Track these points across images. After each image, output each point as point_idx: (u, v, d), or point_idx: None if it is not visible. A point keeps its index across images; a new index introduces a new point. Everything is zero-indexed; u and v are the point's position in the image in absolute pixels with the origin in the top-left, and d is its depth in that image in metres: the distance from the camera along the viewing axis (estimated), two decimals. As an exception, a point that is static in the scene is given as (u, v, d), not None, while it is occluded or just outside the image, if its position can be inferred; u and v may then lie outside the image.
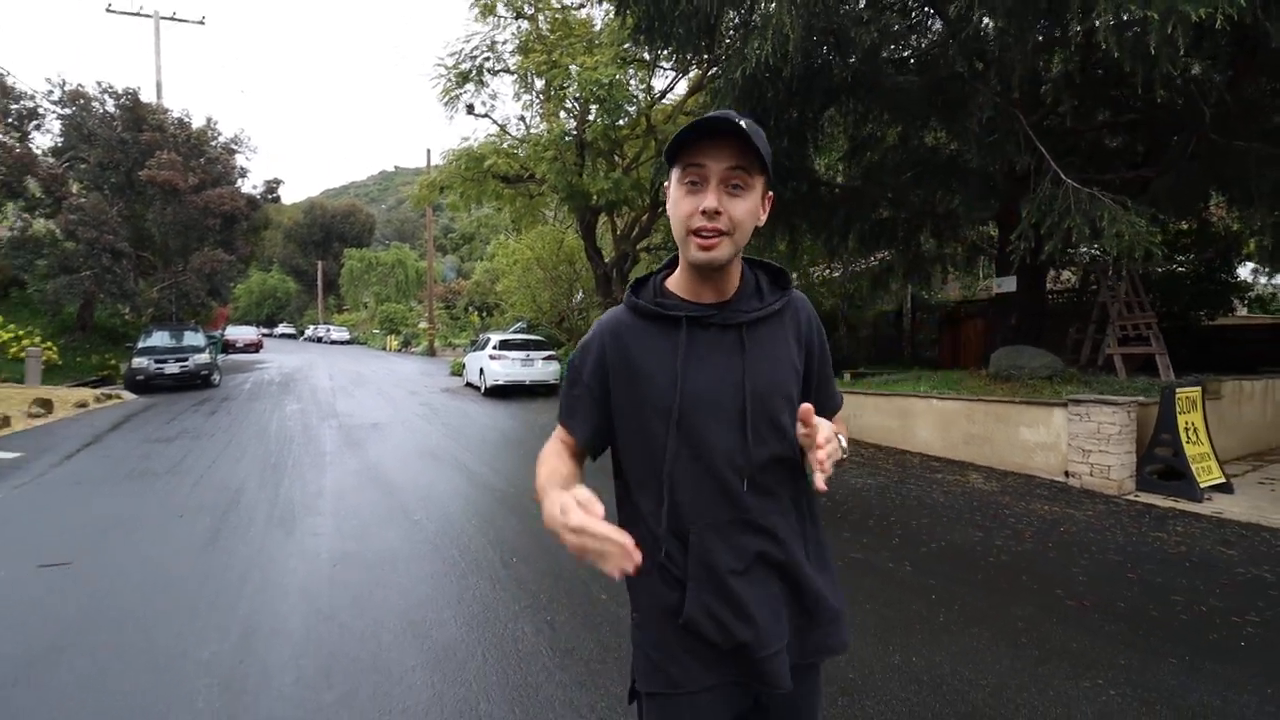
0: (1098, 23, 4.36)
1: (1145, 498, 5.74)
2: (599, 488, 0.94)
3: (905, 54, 7.78)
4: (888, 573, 3.90)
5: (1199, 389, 6.23)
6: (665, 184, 1.11)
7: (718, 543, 1.06)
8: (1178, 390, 5.94)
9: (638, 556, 0.85)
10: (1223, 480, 5.96)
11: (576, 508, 0.85)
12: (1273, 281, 13.35)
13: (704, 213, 1.00)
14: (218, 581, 3.69)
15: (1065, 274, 12.34)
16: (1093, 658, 2.85)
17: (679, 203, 1.04)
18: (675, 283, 1.14)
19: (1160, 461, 5.99)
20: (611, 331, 1.13)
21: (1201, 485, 5.71)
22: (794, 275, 16.32)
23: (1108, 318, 9.00)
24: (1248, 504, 5.57)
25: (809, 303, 1.20)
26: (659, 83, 15.24)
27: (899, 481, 6.27)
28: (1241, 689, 2.62)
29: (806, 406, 0.98)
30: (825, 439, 0.98)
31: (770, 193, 1.09)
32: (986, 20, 5.66)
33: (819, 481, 0.95)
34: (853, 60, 6.46)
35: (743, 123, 0.97)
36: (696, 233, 1.02)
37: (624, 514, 1.16)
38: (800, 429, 1.00)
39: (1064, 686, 2.60)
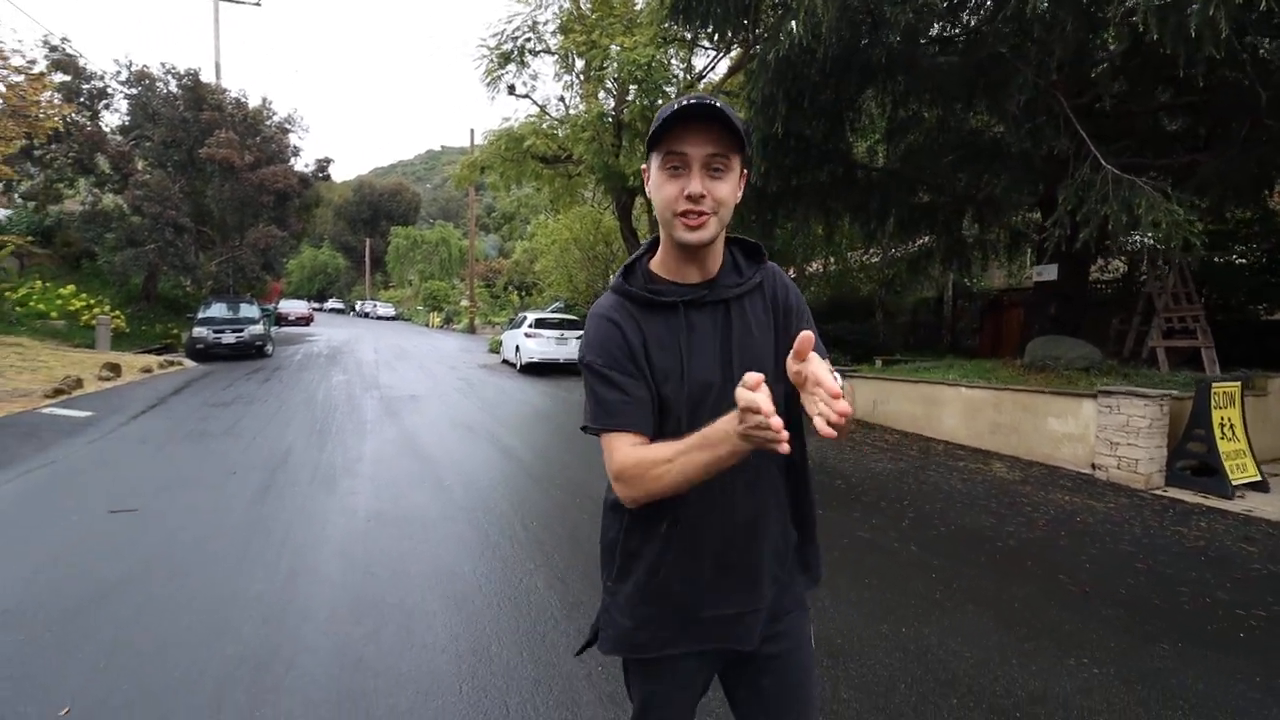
0: (1140, 2, 4.24)
1: (1173, 493, 5.64)
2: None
3: (946, 34, 7.61)
4: (893, 552, 3.99)
5: (1238, 384, 6.05)
6: (644, 168, 1.13)
7: (720, 507, 1.09)
8: (1214, 385, 5.79)
9: (783, 436, 0.82)
10: (1259, 478, 5.80)
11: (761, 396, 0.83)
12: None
13: (689, 197, 1.02)
14: (265, 532, 4.04)
15: (1115, 263, 11.90)
16: (1083, 639, 2.92)
17: (662, 187, 1.05)
18: (660, 265, 1.14)
19: (1193, 457, 5.86)
20: (624, 318, 1.11)
21: (1235, 482, 5.58)
22: (831, 260, 16.16)
23: (1154, 309, 8.72)
24: (1282, 503, 5.43)
25: (780, 270, 1.22)
26: (699, 61, 15.16)
27: (919, 467, 6.29)
28: (1230, 675, 2.66)
29: (805, 335, 0.86)
30: (819, 380, 0.85)
31: (746, 169, 1.10)
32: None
33: (820, 426, 0.82)
34: (890, 41, 6.38)
35: (718, 104, 0.99)
36: (683, 215, 1.04)
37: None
38: (791, 364, 0.89)
39: (1047, 663, 2.70)
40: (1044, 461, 6.51)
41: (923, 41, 6.28)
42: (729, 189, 1.05)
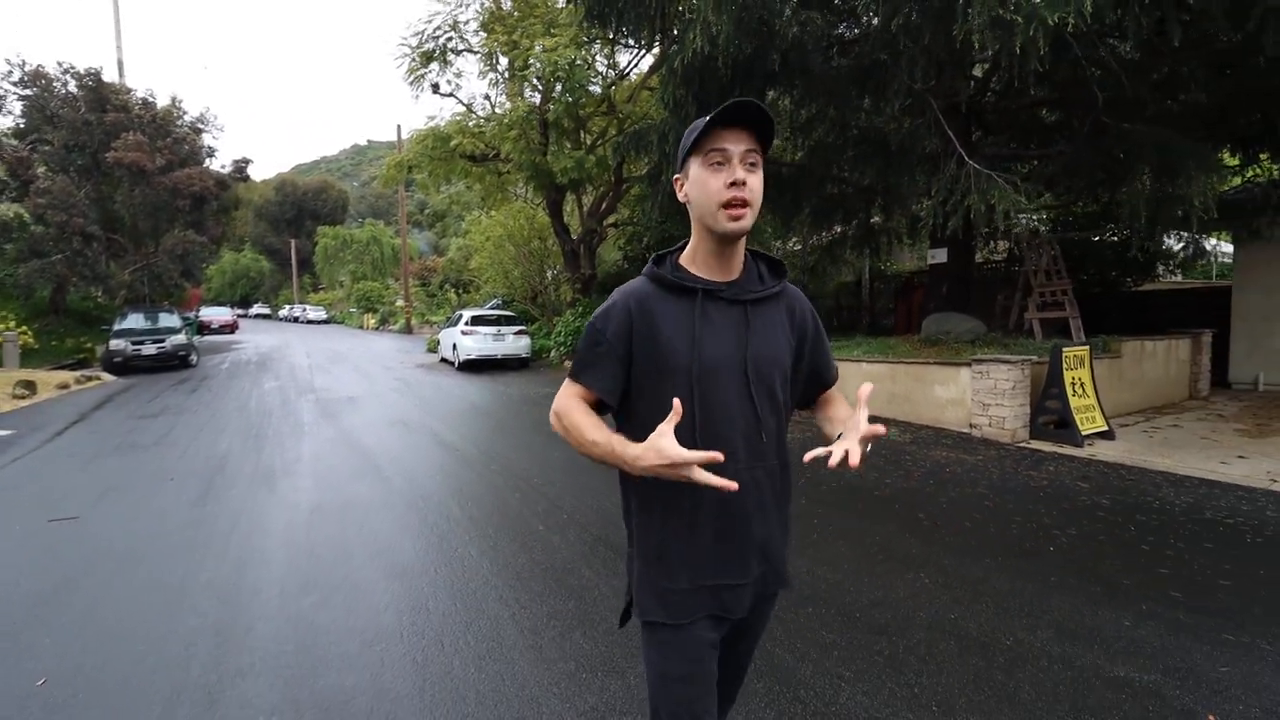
0: (975, 23, 4.95)
1: (1035, 445, 6.52)
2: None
3: (839, 37, 8.30)
4: (787, 506, 4.59)
5: (1086, 348, 6.98)
6: (677, 177, 1.27)
7: (714, 496, 1.19)
8: (1065, 349, 6.68)
9: (719, 457, 1.07)
10: (1106, 428, 6.74)
11: (676, 450, 1.08)
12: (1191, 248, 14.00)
13: (734, 184, 1.16)
14: (210, 528, 4.29)
15: (1004, 244, 13.07)
16: (923, 559, 3.57)
17: (707, 182, 1.19)
18: (689, 260, 1.30)
19: (1052, 413, 6.75)
20: (636, 299, 1.26)
21: (1084, 433, 6.49)
22: (756, 248, 17.03)
23: (1030, 285, 9.75)
24: (1122, 448, 6.36)
25: (804, 296, 1.40)
26: (624, 58, 15.58)
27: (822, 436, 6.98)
28: (1029, 577, 3.35)
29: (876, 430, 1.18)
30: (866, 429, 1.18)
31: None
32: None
33: (853, 459, 1.14)
34: (783, 48, 6.97)
35: (756, 104, 1.15)
36: (727, 205, 1.17)
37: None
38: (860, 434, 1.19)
39: (890, 577, 3.32)
40: (932, 424, 7.33)
41: (811, 49, 6.90)
42: (760, 181, 1.21)
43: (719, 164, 1.17)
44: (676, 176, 1.28)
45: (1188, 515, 4.36)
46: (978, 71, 9.18)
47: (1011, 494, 4.85)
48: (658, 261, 1.32)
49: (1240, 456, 5.97)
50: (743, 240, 1.26)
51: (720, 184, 1.16)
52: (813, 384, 1.42)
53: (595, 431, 1.22)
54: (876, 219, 12.65)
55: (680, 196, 1.27)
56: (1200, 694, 2.37)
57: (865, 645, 2.69)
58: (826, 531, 4.02)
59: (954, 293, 9.85)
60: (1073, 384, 6.68)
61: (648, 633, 1.30)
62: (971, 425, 6.90)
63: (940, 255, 9.90)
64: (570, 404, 1.28)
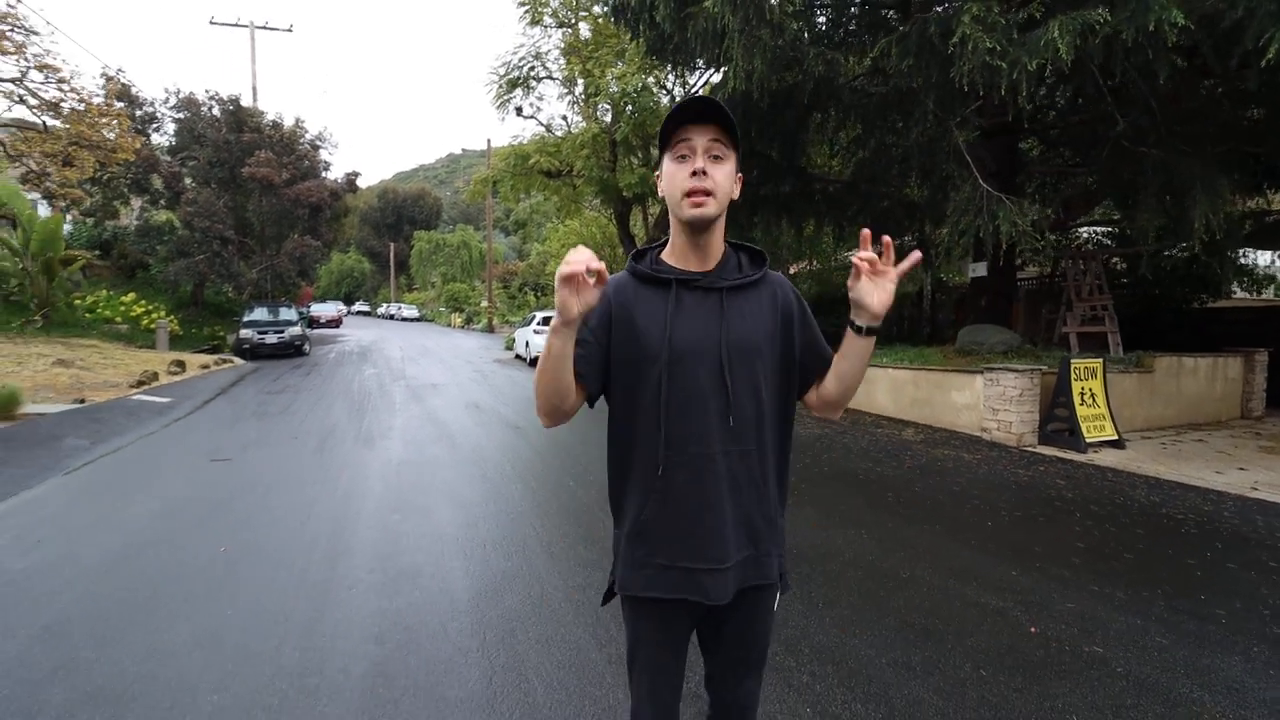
0: (967, 67, 5.61)
1: (1040, 449, 6.97)
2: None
3: (866, 74, 8.95)
4: (778, 482, 5.43)
5: (1100, 361, 7.33)
6: (656, 175, 1.33)
7: (698, 470, 1.24)
8: (1074, 361, 7.09)
9: (597, 265, 1.05)
10: (1115, 438, 7.09)
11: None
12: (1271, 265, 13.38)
13: (694, 174, 1.20)
14: (325, 470, 5.63)
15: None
16: (870, 522, 4.35)
17: (673, 175, 1.24)
18: (669, 254, 1.34)
19: (1062, 421, 7.16)
20: (615, 291, 1.30)
21: (1090, 441, 6.88)
22: (814, 262, 17.45)
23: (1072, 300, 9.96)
24: (1125, 456, 6.72)
25: (787, 281, 1.41)
26: (693, 77, 16.58)
27: (841, 432, 7.70)
28: (952, 540, 4.07)
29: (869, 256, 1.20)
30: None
31: (740, 173, 1.31)
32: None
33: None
34: (815, 84, 7.76)
35: (714, 99, 1.22)
36: (689, 194, 1.21)
37: (618, 449, 1.34)
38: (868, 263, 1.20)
39: (836, 536, 4.14)
40: (948, 428, 7.86)
41: (840, 83, 7.63)
42: (725, 174, 1.23)
43: (684, 156, 1.22)
44: (656, 174, 1.35)
45: (1143, 510, 4.86)
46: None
47: (985, 485, 5.46)
48: (637, 257, 1.37)
49: (1240, 469, 6.24)
50: (718, 231, 1.30)
51: (684, 174, 1.21)
52: (811, 360, 1.37)
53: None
54: (930, 232, 13.00)
55: (660, 192, 1.32)
56: (1035, 617, 3.10)
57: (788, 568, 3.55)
58: (800, 499, 4.85)
59: (993, 305, 10.20)
60: (1081, 394, 7.07)
61: (625, 607, 1.37)
62: (982, 429, 7.41)
63: (980, 269, 10.28)
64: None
